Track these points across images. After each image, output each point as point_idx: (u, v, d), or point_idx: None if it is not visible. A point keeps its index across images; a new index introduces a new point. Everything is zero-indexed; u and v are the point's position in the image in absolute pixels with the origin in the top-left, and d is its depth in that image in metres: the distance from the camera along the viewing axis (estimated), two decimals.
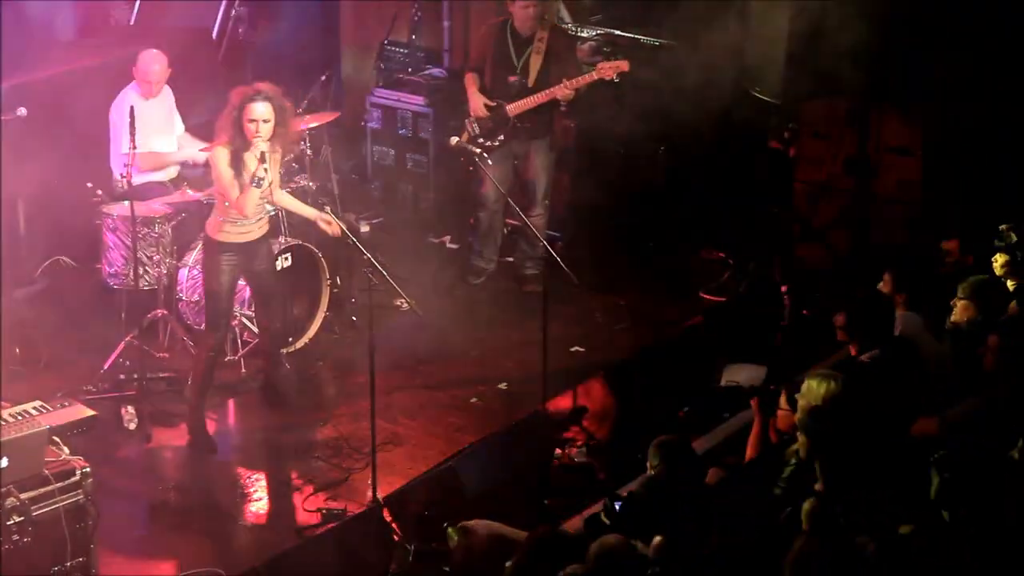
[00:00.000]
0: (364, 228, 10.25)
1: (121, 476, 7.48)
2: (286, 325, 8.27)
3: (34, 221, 9.48)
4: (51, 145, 8.98)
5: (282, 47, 10.98)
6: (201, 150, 8.74)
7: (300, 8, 11.27)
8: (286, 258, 8.62)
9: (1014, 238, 7.56)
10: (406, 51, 11.08)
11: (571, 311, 9.29)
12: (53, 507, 6.22)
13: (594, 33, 10.54)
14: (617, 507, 6.39)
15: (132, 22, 10.67)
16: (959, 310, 7.38)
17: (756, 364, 8.62)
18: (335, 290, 9.05)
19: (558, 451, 7.74)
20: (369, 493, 7.35)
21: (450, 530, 6.39)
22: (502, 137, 9.44)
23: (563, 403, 8.02)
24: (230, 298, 7.90)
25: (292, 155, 8.26)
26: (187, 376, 8.03)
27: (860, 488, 5.66)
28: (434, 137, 10.65)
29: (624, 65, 9.22)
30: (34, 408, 6.69)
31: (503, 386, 8.71)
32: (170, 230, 8.55)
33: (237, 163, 7.54)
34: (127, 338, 8.36)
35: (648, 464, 6.40)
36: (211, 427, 8.04)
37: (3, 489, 6.05)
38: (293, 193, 9.01)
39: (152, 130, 8.68)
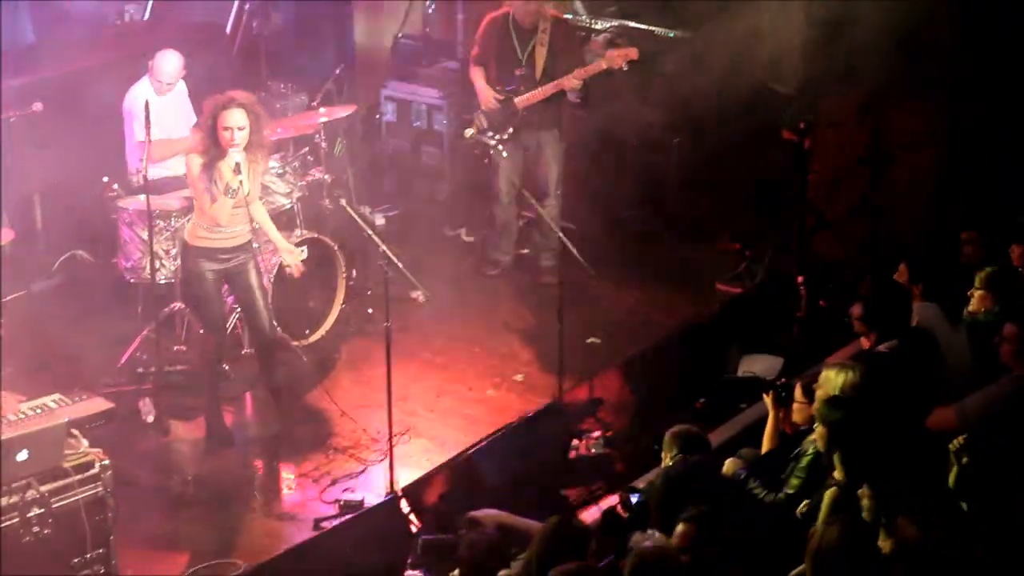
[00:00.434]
0: (379, 220, 10.29)
1: (139, 468, 7.51)
2: (272, 334, 7.94)
3: (51, 216, 9.53)
4: (67, 140, 9.01)
5: (296, 41, 10.99)
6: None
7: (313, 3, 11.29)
8: (302, 251, 8.63)
9: None
10: (420, 44, 11.08)
11: (587, 302, 9.29)
12: (73, 499, 6.23)
13: (608, 25, 10.54)
14: (634, 499, 6.41)
15: (146, 18, 10.70)
16: (976, 300, 7.37)
17: (772, 355, 8.64)
18: (351, 283, 9.06)
19: (575, 442, 7.74)
20: (386, 485, 7.37)
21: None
22: (512, 129, 9.43)
23: (579, 394, 8.03)
24: (220, 300, 7.81)
25: (265, 168, 7.99)
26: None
27: (879, 478, 5.64)
28: (448, 129, 10.66)
29: (633, 53, 9.17)
30: (53, 401, 6.72)
31: (519, 378, 8.72)
32: (186, 224, 8.57)
33: (211, 172, 7.45)
34: (144, 331, 8.39)
35: (664, 455, 6.42)
36: (228, 420, 8.06)
37: (23, 481, 6.08)
38: (308, 186, 9.06)
39: (165, 124, 8.70)
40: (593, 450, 7.71)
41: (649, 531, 5.84)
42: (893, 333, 7.01)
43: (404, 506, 6.94)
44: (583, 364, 8.43)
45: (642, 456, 7.50)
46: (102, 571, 6.35)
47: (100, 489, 6.34)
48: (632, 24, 10.48)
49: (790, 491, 6.31)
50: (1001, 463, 5.94)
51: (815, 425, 6.17)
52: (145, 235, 8.29)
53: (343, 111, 9.46)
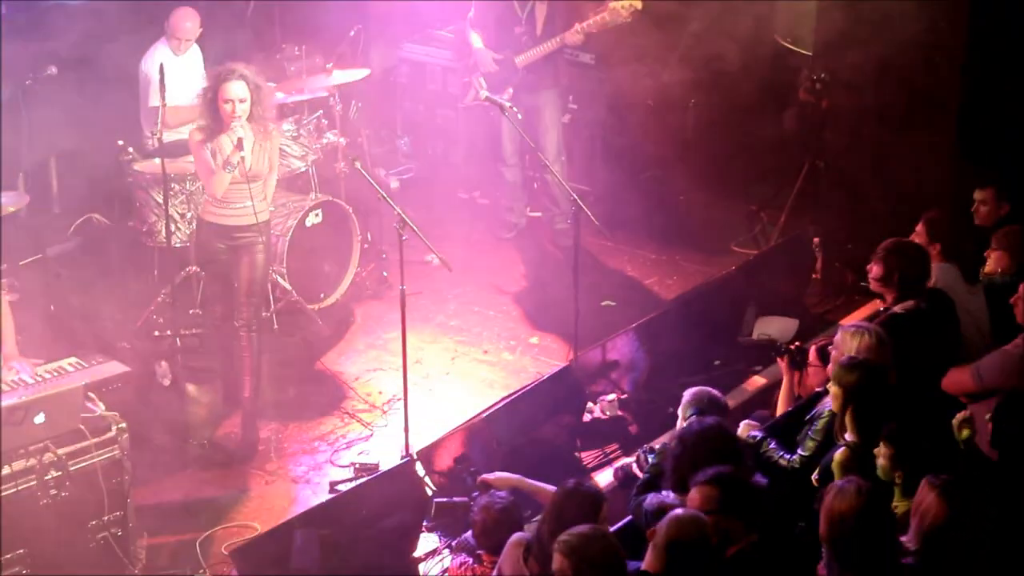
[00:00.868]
0: (394, 183, 10.28)
1: (156, 431, 7.52)
2: (255, 318, 7.62)
3: (66, 179, 9.53)
4: (82, 103, 9.01)
5: (310, 3, 10.94)
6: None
7: None
8: (316, 214, 8.63)
9: None
10: (435, 6, 11.01)
11: (602, 265, 9.27)
12: (90, 462, 6.26)
13: None
14: (650, 459, 6.41)
15: None
16: (993, 260, 7.35)
17: (788, 317, 8.61)
18: (366, 246, 9.06)
19: (589, 405, 7.75)
20: (402, 448, 7.38)
21: None
22: (511, 90, 9.33)
23: (594, 357, 8.02)
24: (227, 277, 7.58)
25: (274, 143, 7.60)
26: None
27: (895, 439, 5.64)
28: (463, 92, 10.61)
29: (637, 3, 8.96)
30: (69, 364, 6.75)
31: (534, 340, 8.72)
32: (201, 187, 8.57)
33: (212, 145, 7.32)
34: (160, 295, 8.40)
35: (680, 417, 6.42)
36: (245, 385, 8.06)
37: (40, 444, 6.11)
38: (323, 149, 9.04)
39: (181, 86, 8.68)
40: (608, 413, 7.71)
41: (664, 492, 5.85)
42: (910, 294, 6.99)
43: (419, 469, 6.94)
44: (598, 327, 8.43)
45: (657, 418, 7.50)
46: (119, 533, 6.39)
47: (117, 452, 6.37)
48: None
49: (805, 453, 6.31)
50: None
51: (830, 386, 6.16)
52: (160, 198, 8.30)
53: (358, 74, 9.43)
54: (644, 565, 5.23)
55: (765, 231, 9.86)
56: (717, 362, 8.20)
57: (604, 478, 7.19)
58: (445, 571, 6.42)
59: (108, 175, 8.98)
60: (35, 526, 6.11)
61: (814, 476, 6.09)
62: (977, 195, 7.87)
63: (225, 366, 7.86)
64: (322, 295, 8.79)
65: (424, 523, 6.79)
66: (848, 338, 6.40)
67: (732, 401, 7.40)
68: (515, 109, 8.48)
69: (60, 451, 6.16)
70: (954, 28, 8.61)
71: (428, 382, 8.22)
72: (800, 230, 9.39)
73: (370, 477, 7.09)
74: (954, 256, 7.37)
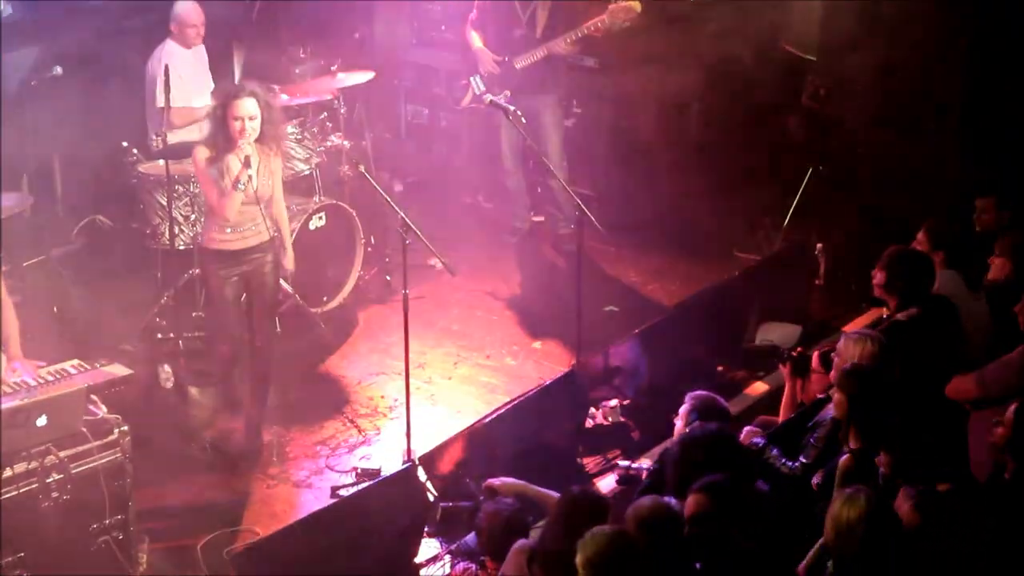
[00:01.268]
0: (398, 187, 10.28)
1: (158, 435, 7.52)
2: (271, 336, 7.65)
3: (70, 181, 9.53)
4: (86, 104, 9.01)
5: (314, 5, 10.94)
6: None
7: None
8: (320, 217, 8.63)
9: None
10: (440, 9, 11.02)
11: (605, 270, 9.26)
12: (91, 465, 6.25)
13: None
14: (649, 467, 6.40)
15: None
16: (996, 267, 7.34)
17: (791, 324, 8.61)
18: (369, 249, 9.06)
19: (592, 411, 7.74)
20: (404, 452, 7.38)
21: None
22: (508, 92, 9.31)
23: (597, 363, 8.01)
24: (236, 306, 7.41)
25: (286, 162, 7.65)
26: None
27: (897, 446, 5.63)
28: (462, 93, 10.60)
29: (636, 6, 8.90)
30: (72, 367, 6.74)
31: (537, 345, 8.72)
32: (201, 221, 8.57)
33: (219, 165, 7.09)
34: (164, 297, 8.40)
35: (682, 423, 6.40)
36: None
37: (42, 447, 6.11)
38: (327, 152, 9.03)
39: (190, 82, 8.67)
40: (610, 418, 7.70)
41: (666, 497, 5.84)
42: (914, 301, 6.98)
43: (421, 474, 6.93)
44: (601, 332, 8.42)
45: (659, 424, 7.49)
46: (120, 536, 6.37)
47: (119, 455, 6.35)
48: None
49: (807, 460, 6.30)
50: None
51: (831, 393, 6.16)
52: (164, 200, 8.29)
53: (362, 76, 9.43)
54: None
55: (768, 237, 9.85)
56: (720, 368, 8.19)
57: (606, 484, 7.18)
58: None
59: (112, 177, 8.98)
60: (36, 529, 6.10)
61: (815, 481, 6.08)
62: (978, 204, 7.87)
63: (227, 371, 7.87)
64: (325, 298, 8.79)
65: (426, 529, 6.78)
66: (851, 345, 6.40)
67: (734, 407, 7.39)
68: (519, 113, 8.47)
69: (62, 454, 6.14)
70: (956, 31, 8.63)
71: (430, 387, 8.22)
72: (803, 236, 9.39)
73: (372, 482, 7.08)
74: (957, 263, 7.36)
